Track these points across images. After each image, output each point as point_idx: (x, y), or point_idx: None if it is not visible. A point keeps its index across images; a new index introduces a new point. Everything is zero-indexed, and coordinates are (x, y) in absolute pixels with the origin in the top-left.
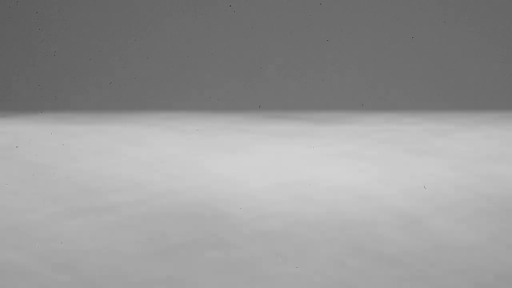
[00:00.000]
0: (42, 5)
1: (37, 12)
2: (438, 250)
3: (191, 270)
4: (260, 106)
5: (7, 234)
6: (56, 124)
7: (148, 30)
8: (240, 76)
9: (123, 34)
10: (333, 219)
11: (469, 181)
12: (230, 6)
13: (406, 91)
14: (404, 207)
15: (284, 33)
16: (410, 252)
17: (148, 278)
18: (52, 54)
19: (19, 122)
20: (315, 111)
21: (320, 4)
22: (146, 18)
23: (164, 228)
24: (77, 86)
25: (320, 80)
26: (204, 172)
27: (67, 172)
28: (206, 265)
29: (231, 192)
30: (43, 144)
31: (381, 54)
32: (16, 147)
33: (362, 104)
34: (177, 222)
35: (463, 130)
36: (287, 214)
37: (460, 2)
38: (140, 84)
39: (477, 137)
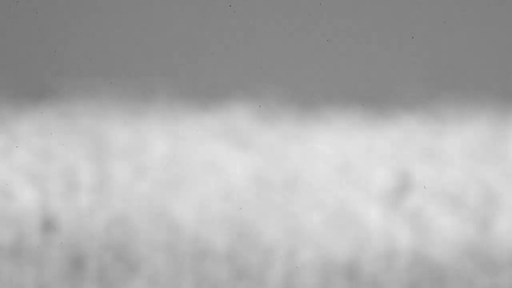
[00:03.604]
0: (42, 5)
1: (37, 12)
2: None
3: None
4: (260, 106)
5: None
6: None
7: (148, 30)
8: (240, 76)
9: (123, 34)
10: None
11: None
12: (230, 6)
13: (406, 90)
14: None
15: (284, 33)
16: None
17: None
18: (52, 54)
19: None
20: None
21: (320, 4)
22: (146, 19)
23: None
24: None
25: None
26: None
27: None
28: None
29: None
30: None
31: (381, 54)
32: None
33: (362, 104)
34: None
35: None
36: None
37: (460, 2)
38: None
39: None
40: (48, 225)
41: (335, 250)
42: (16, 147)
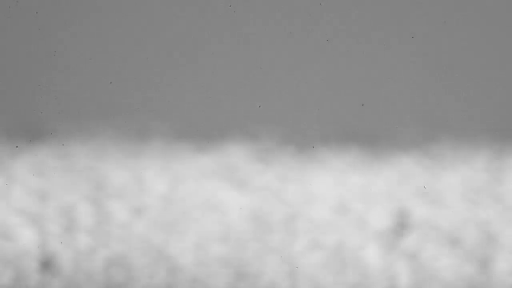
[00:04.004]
0: (42, 5)
1: (37, 12)
2: None
3: None
4: (260, 106)
5: None
6: None
7: (148, 30)
8: (240, 76)
9: (123, 34)
10: None
11: None
12: (230, 6)
13: (406, 89)
14: None
15: (284, 33)
16: None
17: None
18: (52, 54)
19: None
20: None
21: (320, 4)
22: (146, 19)
23: None
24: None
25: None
26: None
27: None
28: None
29: None
30: None
31: (381, 54)
32: None
33: (362, 104)
34: None
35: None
36: None
37: (460, 2)
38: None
39: None
40: (47, 266)
41: None
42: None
